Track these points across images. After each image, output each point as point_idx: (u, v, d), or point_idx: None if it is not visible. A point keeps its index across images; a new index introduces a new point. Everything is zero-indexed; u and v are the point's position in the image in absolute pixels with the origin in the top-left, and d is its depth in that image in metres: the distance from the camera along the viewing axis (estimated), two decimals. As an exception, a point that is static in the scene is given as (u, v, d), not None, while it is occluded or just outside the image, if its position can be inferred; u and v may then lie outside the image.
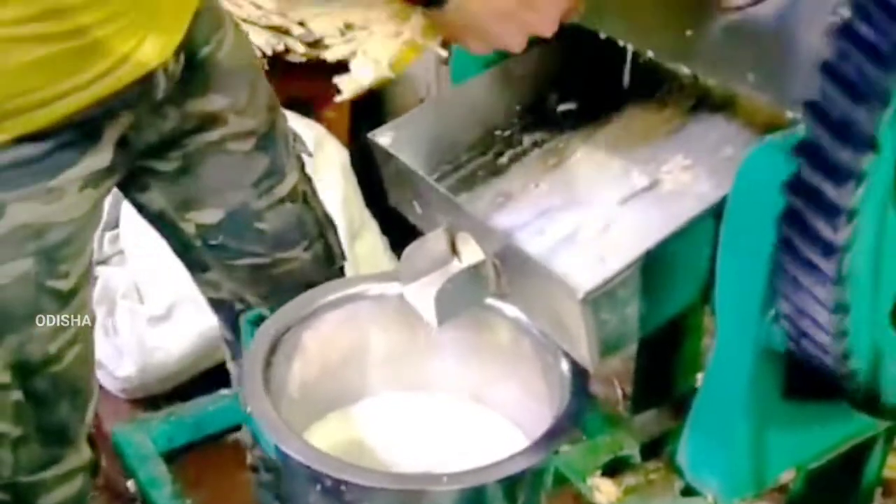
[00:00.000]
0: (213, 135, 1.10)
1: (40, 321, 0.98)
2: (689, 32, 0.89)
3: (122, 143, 1.01)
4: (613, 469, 1.00)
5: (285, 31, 1.94)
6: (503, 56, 1.03)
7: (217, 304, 1.25)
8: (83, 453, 1.07)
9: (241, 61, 1.12)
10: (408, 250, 0.92)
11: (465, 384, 1.05)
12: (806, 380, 0.84)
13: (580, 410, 0.91)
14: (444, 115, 1.02)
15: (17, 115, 0.91)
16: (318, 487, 0.86)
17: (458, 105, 1.03)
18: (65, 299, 1.00)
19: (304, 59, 1.95)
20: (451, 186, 0.99)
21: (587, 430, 1.03)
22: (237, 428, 1.30)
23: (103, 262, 1.89)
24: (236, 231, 1.16)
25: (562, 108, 1.06)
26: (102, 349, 1.64)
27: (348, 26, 1.94)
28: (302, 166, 1.23)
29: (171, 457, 1.23)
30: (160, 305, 1.76)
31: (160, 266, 1.73)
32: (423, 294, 0.92)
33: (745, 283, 0.80)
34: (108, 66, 0.94)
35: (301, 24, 1.97)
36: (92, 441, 1.11)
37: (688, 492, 0.95)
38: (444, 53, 0.99)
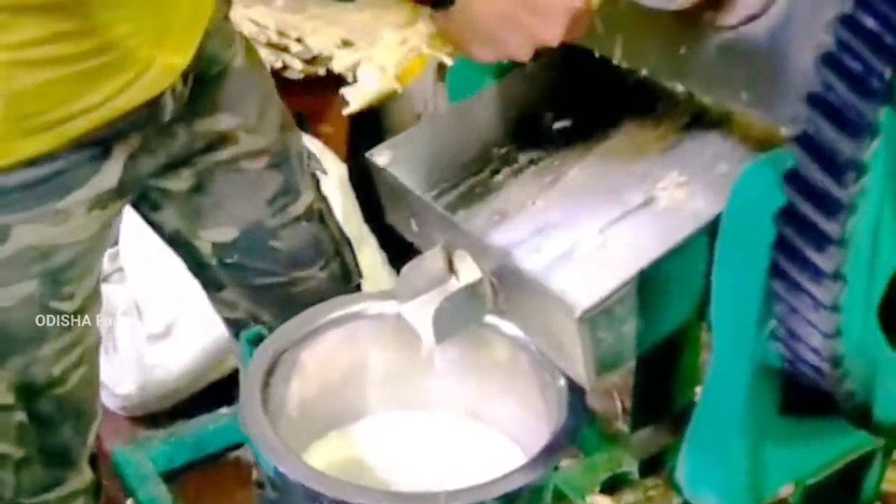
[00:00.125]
0: (224, 154, 1.10)
1: (45, 343, 0.98)
2: (682, 51, 0.89)
3: (131, 164, 1.01)
4: (612, 486, 1.00)
5: (283, 49, 1.95)
6: (501, 73, 1.04)
7: (233, 325, 1.25)
8: (85, 475, 1.07)
9: (250, 80, 1.12)
10: (405, 269, 0.93)
11: (463, 401, 1.05)
12: (803, 395, 0.84)
13: (577, 427, 0.91)
14: (440, 133, 1.03)
15: (26, 138, 0.91)
16: (318, 507, 0.87)
17: (455, 123, 1.04)
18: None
19: (301, 76, 1.96)
20: (448, 204, 1.00)
21: (585, 447, 1.03)
22: (238, 446, 1.30)
23: (103, 279, 1.88)
24: (251, 249, 1.16)
25: (558, 125, 1.06)
26: (102, 367, 1.63)
27: (346, 42, 1.96)
28: (317, 185, 1.22)
29: (171, 476, 1.23)
30: (160, 323, 1.76)
31: (160, 283, 1.74)
32: (420, 313, 0.92)
33: (740, 300, 0.80)
34: (117, 88, 0.93)
35: (299, 40, 1.98)
36: (94, 462, 1.11)
37: (686, 508, 0.95)
38: (449, 62, 0.98)
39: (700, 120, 1.03)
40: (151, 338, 1.76)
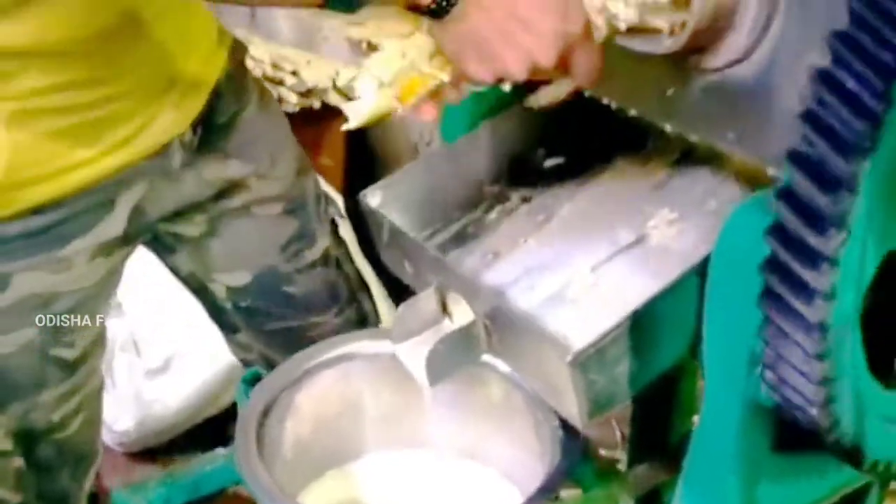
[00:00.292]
0: (236, 201, 1.08)
1: (45, 389, 0.97)
2: (669, 92, 0.90)
3: (138, 212, 1.00)
4: (609, 522, 1.00)
5: (279, 82, 1.97)
6: (494, 110, 1.04)
7: (249, 367, 1.23)
8: (83, 517, 1.07)
9: (263, 127, 1.10)
10: (400, 309, 0.93)
11: (458, 440, 1.06)
12: (796, 432, 0.85)
13: (571, 466, 0.91)
14: (433, 172, 1.03)
15: (29, 187, 0.90)
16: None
17: (448, 162, 1.04)
18: (71, 368, 0.99)
19: (297, 109, 1.98)
20: (442, 244, 1.00)
21: (583, 483, 1.03)
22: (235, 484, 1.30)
23: (101, 314, 1.89)
24: (265, 294, 1.15)
25: (549, 163, 1.07)
26: (100, 403, 1.64)
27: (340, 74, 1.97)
28: (335, 230, 1.21)
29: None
30: (158, 358, 1.76)
31: (158, 319, 1.74)
32: (414, 354, 0.92)
33: (731, 340, 0.81)
34: (124, 137, 0.92)
35: (294, 73, 1.99)
36: (94, 501, 1.10)
37: (683, 545, 0.95)
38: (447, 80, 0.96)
39: (690, 155, 1.03)
40: (150, 373, 1.76)
